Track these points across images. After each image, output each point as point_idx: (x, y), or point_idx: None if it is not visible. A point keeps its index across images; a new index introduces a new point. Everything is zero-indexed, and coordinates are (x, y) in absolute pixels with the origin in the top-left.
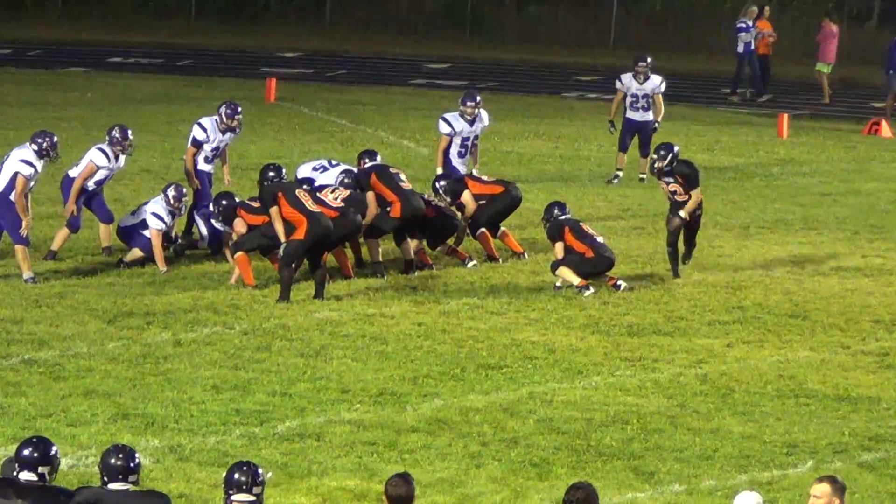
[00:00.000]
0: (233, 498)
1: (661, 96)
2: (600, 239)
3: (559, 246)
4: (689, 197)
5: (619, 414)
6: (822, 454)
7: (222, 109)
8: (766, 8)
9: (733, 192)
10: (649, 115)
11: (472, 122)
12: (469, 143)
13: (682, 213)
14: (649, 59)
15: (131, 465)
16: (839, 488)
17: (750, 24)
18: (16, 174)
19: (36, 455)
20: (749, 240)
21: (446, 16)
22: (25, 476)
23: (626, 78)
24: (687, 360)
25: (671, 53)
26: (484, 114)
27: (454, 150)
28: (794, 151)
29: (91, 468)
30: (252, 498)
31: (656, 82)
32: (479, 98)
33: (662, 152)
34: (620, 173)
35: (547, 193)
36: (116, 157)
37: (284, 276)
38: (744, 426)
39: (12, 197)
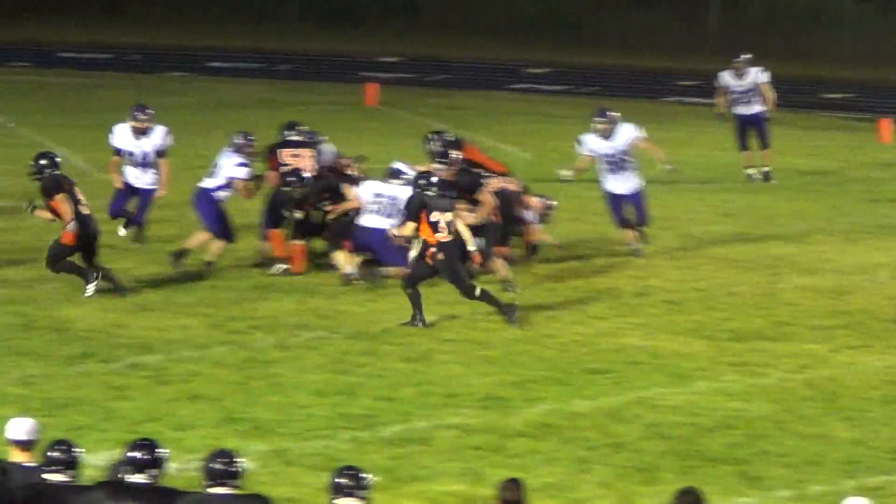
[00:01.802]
0: (337, 502)
1: (768, 85)
2: None
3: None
4: None
5: (725, 419)
6: None
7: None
8: None
9: (835, 196)
10: (756, 108)
11: (608, 138)
12: (617, 159)
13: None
14: (744, 56)
15: (233, 469)
16: None
17: None
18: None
19: (145, 457)
20: (852, 245)
21: (546, 20)
22: (135, 478)
23: (726, 75)
24: (792, 365)
25: (771, 58)
26: (624, 127)
27: (602, 167)
28: None
29: (198, 472)
30: (358, 502)
31: (756, 73)
32: (609, 113)
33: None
34: (752, 171)
35: (650, 197)
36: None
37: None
38: (850, 431)
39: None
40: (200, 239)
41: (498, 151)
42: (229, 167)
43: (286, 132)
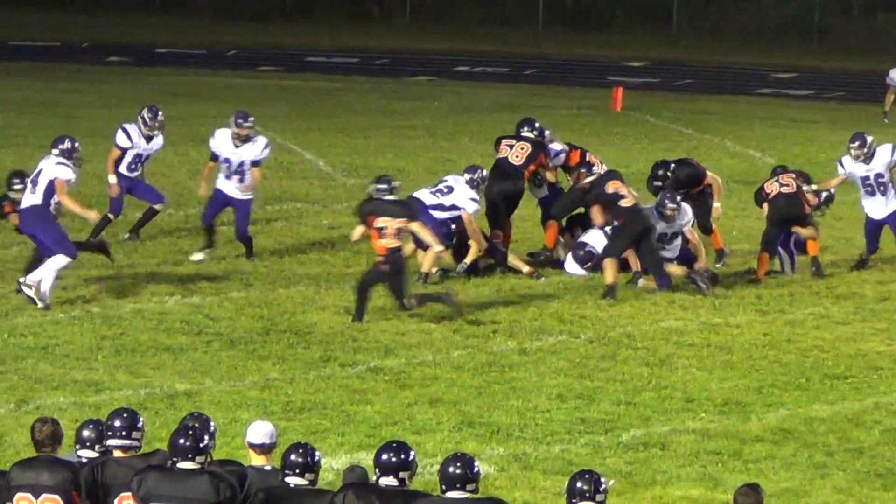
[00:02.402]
0: None
1: None
2: None
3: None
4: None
5: None
6: None
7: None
8: None
9: None
10: None
11: (868, 161)
12: (872, 182)
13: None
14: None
15: (470, 474)
16: None
17: None
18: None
19: (395, 460)
20: None
21: (793, 25)
22: (385, 481)
23: None
24: None
25: None
26: (881, 150)
27: (860, 190)
28: None
29: (436, 476)
30: None
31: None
32: (865, 137)
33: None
34: None
35: None
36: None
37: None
38: None
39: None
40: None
41: (743, 156)
42: (460, 198)
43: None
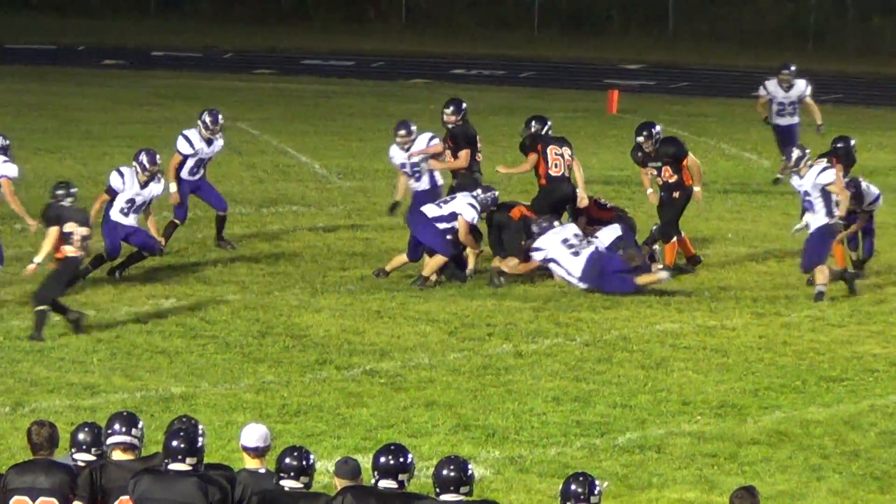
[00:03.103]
0: None
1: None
2: None
3: None
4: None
5: None
6: None
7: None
8: None
9: None
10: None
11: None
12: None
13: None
14: (793, 67)
15: (464, 476)
16: None
17: None
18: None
19: (393, 462)
20: None
21: (789, 28)
22: (384, 484)
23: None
24: None
25: None
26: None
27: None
28: None
29: (431, 479)
30: None
31: (801, 87)
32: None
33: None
34: None
35: (889, 205)
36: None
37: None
38: None
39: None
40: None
41: (739, 159)
42: (459, 204)
43: None
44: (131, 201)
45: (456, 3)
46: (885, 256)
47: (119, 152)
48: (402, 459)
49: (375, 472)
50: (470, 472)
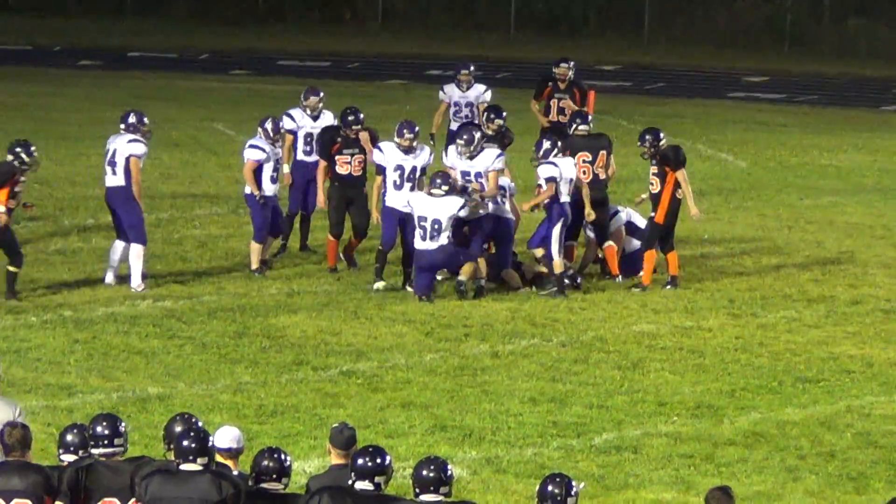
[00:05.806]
0: None
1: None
2: None
3: None
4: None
5: None
6: None
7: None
8: None
9: None
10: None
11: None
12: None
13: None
14: (472, 67)
15: (444, 477)
16: None
17: None
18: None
19: (371, 464)
20: None
21: (765, 29)
22: (361, 486)
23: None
24: None
25: None
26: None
27: None
28: None
29: (408, 480)
30: None
31: (480, 90)
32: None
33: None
34: None
35: (865, 206)
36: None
37: None
38: None
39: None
40: None
41: (715, 160)
42: (489, 157)
43: None
44: (277, 162)
45: (432, 4)
46: (860, 257)
47: (96, 153)
48: (379, 461)
49: (352, 474)
50: (449, 472)
